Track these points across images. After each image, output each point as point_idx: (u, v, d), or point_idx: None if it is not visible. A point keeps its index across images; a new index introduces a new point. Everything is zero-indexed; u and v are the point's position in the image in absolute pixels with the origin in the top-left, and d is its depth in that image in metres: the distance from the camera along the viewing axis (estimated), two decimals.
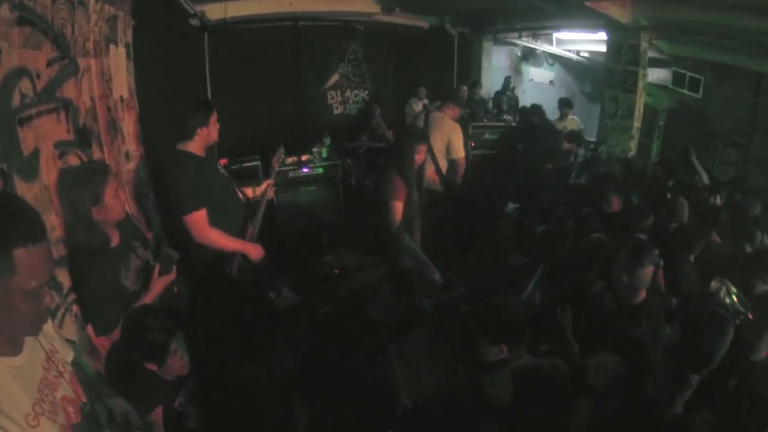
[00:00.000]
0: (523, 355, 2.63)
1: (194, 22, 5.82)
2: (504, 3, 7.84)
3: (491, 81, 10.34)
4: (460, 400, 2.65)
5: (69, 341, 1.73)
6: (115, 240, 2.43)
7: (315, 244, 5.38)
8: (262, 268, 3.48)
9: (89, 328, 2.26)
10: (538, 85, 11.92)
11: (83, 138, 2.65)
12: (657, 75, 8.22)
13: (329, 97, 8.21)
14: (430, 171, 5.08)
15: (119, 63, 3.39)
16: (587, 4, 5.87)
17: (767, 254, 3.57)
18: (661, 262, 3.16)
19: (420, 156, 4.06)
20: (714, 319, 2.30)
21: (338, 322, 2.98)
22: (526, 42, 10.57)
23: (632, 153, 7.02)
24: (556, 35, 10.10)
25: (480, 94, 9.21)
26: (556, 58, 11.60)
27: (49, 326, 1.46)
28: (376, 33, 8.32)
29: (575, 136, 6.62)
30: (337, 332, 2.85)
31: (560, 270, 3.70)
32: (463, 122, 5.68)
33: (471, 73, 9.82)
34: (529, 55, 11.67)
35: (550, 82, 12.09)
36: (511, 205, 6.33)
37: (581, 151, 6.88)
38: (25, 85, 2.02)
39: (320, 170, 6.08)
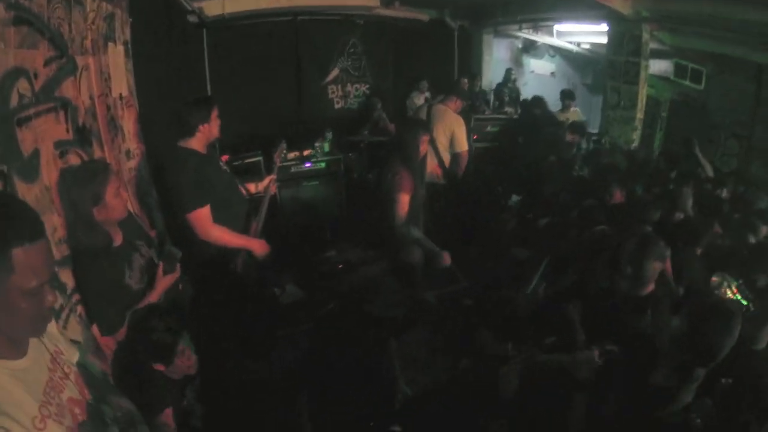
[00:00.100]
0: (535, 352, 2.62)
1: (192, 18, 5.79)
2: None
3: (492, 73, 10.30)
4: (462, 394, 2.65)
5: (74, 342, 1.72)
6: (117, 239, 2.42)
7: (318, 240, 5.38)
8: (267, 265, 3.48)
9: (94, 329, 2.26)
10: (539, 77, 11.87)
11: (83, 137, 2.63)
12: (659, 66, 8.17)
13: (330, 91, 8.19)
14: (432, 164, 5.07)
15: (118, 61, 3.37)
16: None
17: (765, 249, 3.56)
18: (668, 254, 3.15)
19: (423, 146, 4.03)
20: (721, 312, 2.29)
21: (341, 319, 2.97)
22: (527, 34, 10.51)
23: (635, 144, 7.00)
24: (556, 27, 10.04)
25: (480, 86, 9.18)
26: (557, 50, 11.55)
27: (53, 327, 1.46)
28: (375, 27, 8.30)
29: (578, 127, 6.59)
30: (340, 330, 2.84)
31: (564, 263, 3.69)
32: (465, 115, 5.66)
33: (471, 66, 9.77)
34: (529, 47, 11.61)
35: (552, 73, 12.04)
36: (513, 198, 6.31)
37: (583, 144, 6.85)
38: (22, 85, 2.01)
39: (322, 165, 6.08)
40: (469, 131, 6.29)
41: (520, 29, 9.80)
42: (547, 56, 11.83)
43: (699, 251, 3.50)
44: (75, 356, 1.50)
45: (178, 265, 2.60)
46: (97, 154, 2.81)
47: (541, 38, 10.85)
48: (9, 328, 1.19)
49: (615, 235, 3.46)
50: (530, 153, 6.58)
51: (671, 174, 5.37)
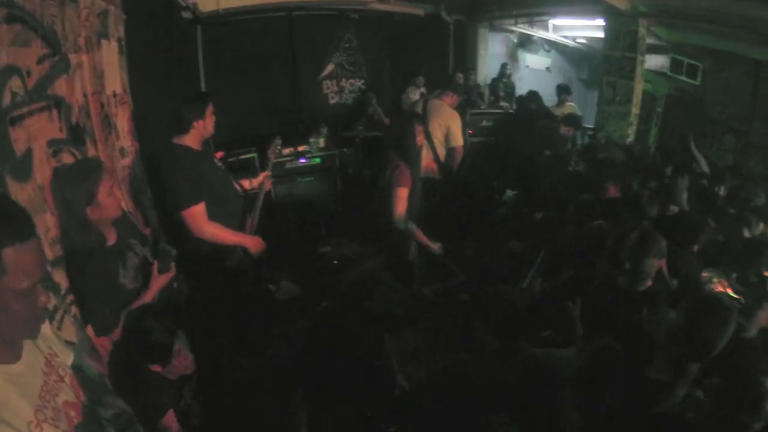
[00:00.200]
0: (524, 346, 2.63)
1: (186, 14, 5.75)
2: None
3: (487, 68, 10.29)
4: (459, 389, 2.65)
5: (69, 343, 1.71)
6: (111, 239, 2.40)
7: (313, 236, 5.36)
8: (262, 261, 3.47)
9: (89, 329, 2.24)
10: (534, 72, 11.86)
11: (77, 135, 2.61)
12: (655, 61, 8.18)
13: (325, 86, 8.15)
14: (428, 159, 5.06)
15: (111, 58, 3.35)
16: None
17: (763, 244, 3.56)
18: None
19: (419, 138, 4.01)
20: (717, 308, 2.30)
21: (338, 317, 2.96)
22: (523, 29, 10.49)
23: (630, 139, 7.01)
24: (552, 22, 10.03)
25: (474, 81, 9.17)
26: (552, 45, 11.54)
27: (47, 329, 1.45)
28: (370, 21, 8.26)
29: (572, 120, 6.58)
30: (337, 327, 2.84)
31: (560, 257, 3.69)
32: (460, 109, 5.65)
33: (467, 61, 9.76)
34: (525, 42, 11.59)
35: (547, 68, 12.03)
36: (509, 192, 6.32)
37: (578, 139, 6.86)
38: (15, 83, 1.99)
39: (317, 160, 6.06)
40: (465, 126, 6.28)
41: (515, 24, 9.77)
42: (543, 51, 11.82)
43: (696, 248, 3.51)
44: (70, 358, 1.49)
45: (173, 264, 2.59)
46: (91, 152, 2.78)
47: (537, 33, 10.84)
48: (3, 330, 1.18)
49: (611, 229, 3.46)
50: (525, 147, 6.57)
51: (667, 169, 5.37)
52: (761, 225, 4.04)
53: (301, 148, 5.99)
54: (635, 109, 6.94)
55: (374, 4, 7.81)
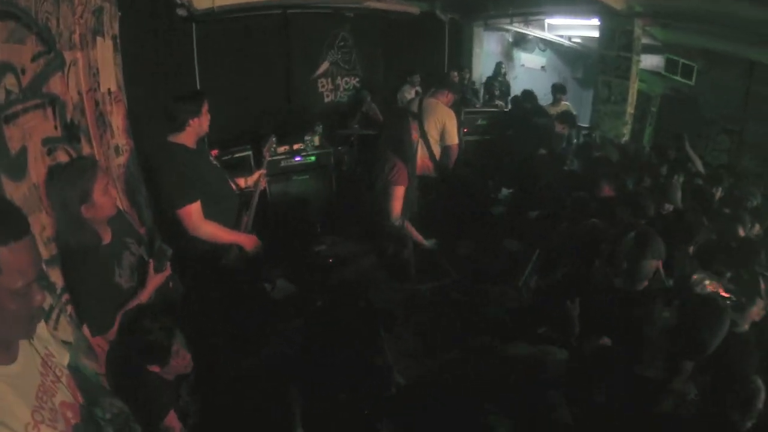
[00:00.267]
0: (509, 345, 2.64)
1: (181, 12, 5.72)
2: None
3: (483, 67, 10.29)
4: (455, 387, 2.66)
5: (65, 343, 1.70)
6: (107, 238, 2.38)
7: (308, 234, 5.35)
8: (258, 260, 3.46)
9: (84, 329, 2.23)
10: (529, 71, 11.88)
11: (71, 134, 2.59)
12: (650, 61, 8.22)
13: (320, 85, 8.12)
14: (423, 157, 5.05)
15: (106, 55, 3.33)
16: None
17: (756, 244, 3.58)
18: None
19: (414, 134, 4.01)
20: (712, 309, 2.31)
21: (332, 314, 2.97)
22: (518, 28, 10.50)
23: (625, 138, 7.03)
24: (548, 21, 10.04)
25: (469, 78, 9.18)
26: (547, 44, 11.56)
27: (43, 329, 1.44)
28: (365, 20, 8.23)
29: (567, 117, 6.60)
30: (332, 325, 2.84)
31: (555, 255, 3.70)
32: (455, 108, 5.65)
33: (462, 59, 9.76)
34: (520, 41, 11.62)
35: (542, 67, 12.05)
36: (504, 191, 6.33)
37: (574, 139, 6.87)
38: (9, 81, 1.97)
39: (312, 159, 6.03)
40: (460, 124, 6.29)
41: (511, 23, 9.78)
42: (538, 50, 11.84)
43: (691, 249, 3.52)
44: (66, 358, 1.48)
45: (169, 263, 2.57)
46: (86, 150, 2.77)
47: (532, 32, 10.85)
48: None
49: (607, 228, 3.47)
50: (521, 146, 6.58)
51: (662, 168, 5.39)
52: (757, 226, 4.06)
53: (296, 146, 5.96)
54: (630, 109, 6.97)
55: (369, 2, 7.78)
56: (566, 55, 11.87)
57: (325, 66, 8.06)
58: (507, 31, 10.95)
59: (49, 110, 2.35)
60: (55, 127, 2.40)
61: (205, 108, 3.10)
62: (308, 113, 7.38)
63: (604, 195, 4.30)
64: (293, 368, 2.89)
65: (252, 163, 5.34)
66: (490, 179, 6.64)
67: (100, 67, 3.17)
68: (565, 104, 7.57)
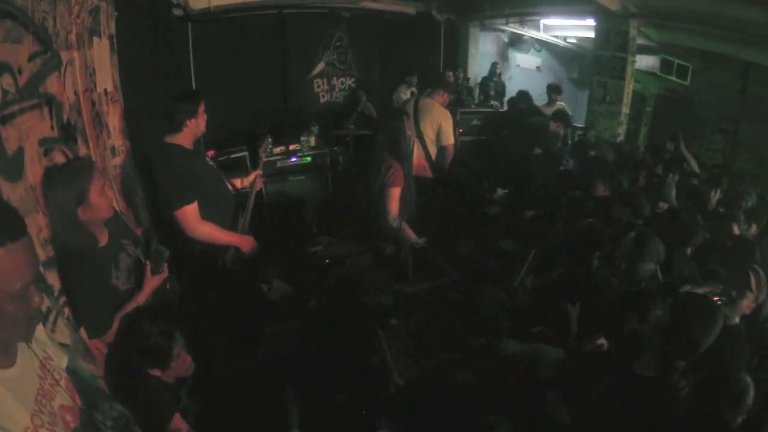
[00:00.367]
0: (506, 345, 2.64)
1: (177, 12, 5.70)
2: None
3: (478, 67, 10.30)
4: (453, 387, 2.66)
5: (62, 345, 1.69)
6: (103, 239, 2.37)
7: (305, 235, 5.35)
8: (254, 260, 3.46)
9: (81, 331, 2.21)
10: (525, 71, 11.90)
11: (68, 134, 2.57)
12: (645, 62, 8.25)
13: (315, 85, 8.11)
14: (420, 158, 5.06)
15: (103, 55, 3.31)
16: None
17: (751, 243, 3.60)
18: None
19: (409, 133, 4.00)
20: (705, 309, 2.31)
21: (328, 313, 2.96)
22: (513, 28, 10.51)
23: (620, 138, 7.06)
24: (543, 21, 10.05)
25: (463, 78, 9.19)
26: (543, 44, 11.58)
27: (41, 332, 1.43)
28: (362, 20, 8.22)
29: (561, 116, 6.59)
30: (327, 324, 2.83)
31: (551, 255, 3.70)
32: (451, 108, 5.65)
33: (458, 60, 9.78)
34: (516, 41, 11.62)
35: (537, 68, 12.07)
36: (499, 191, 6.34)
37: (569, 139, 6.89)
38: (6, 80, 1.96)
39: (308, 159, 6.02)
40: (455, 125, 6.30)
41: (506, 23, 9.78)
42: (533, 50, 11.86)
43: (689, 251, 3.53)
44: (64, 361, 1.47)
45: (166, 265, 2.56)
46: (82, 151, 2.75)
47: (528, 32, 10.87)
48: None
49: (603, 228, 3.47)
50: (516, 146, 6.58)
51: (657, 167, 5.41)
52: (754, 227, 4.08)
53: (292, 147, 5.95)
54: (625, 109, 7.01)
55: (366, 3, 7.78)
56: (562, 55, 11.90)
57: (320, 66, 8.05)
58: (502, 31, 10.95)
59: (46, 110, 2.33)
60: (52, 128, 2.39)
61: (201, 108, 3.09)
62: (304, 113, 7.38)
63: (600, 194, 4.31)
64: (290, 369, 2.89)
65: (248, 163, 5.33)
66: (485, 179, 6.65)
67: (97, 68, 3.15)
68: (561, 104, 7.59)
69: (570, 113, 7.54)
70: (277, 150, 5.71)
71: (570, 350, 2.84)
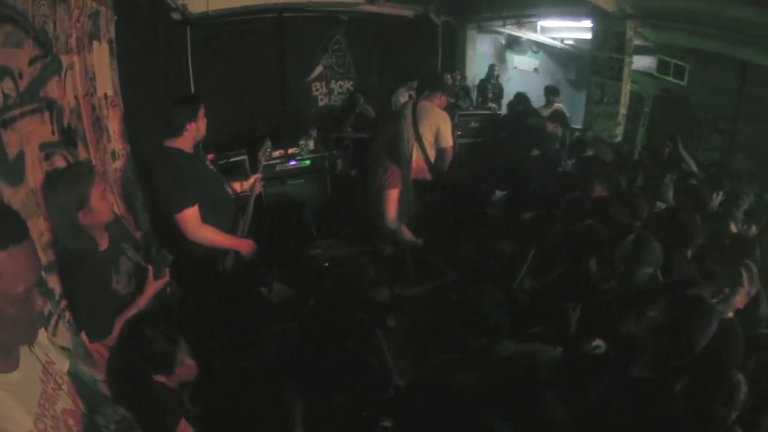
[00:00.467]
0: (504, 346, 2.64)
1: (176, 15, 5.71)
2: None
3: (476, 69, 10.31)
4: (452, 388, 2.66)
5: (64, 349, 1.69)
6: (104, 243, 2.37)
7: (304, 237, 5.35)
8: (254, 263, 3.46)
9: (82, 335, 2.22)
10: (522, 73, 11.89)
11: (68, 138, 2.57)
12: (642, 62, 8.26)
13: (314, 88, 8.13)
14: (418, 160, 5.07)
15: (103, 60, 3.31)
16: None
17: (749, 241, 3.60)
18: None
19: (408, 137, 4.01)
20: (701, 310, 2.32)
21: (328, 316, 2.97)
22: (511, 30, 10.51)
23: (618, 139, 7.07)
24: (540, 23, 10.05)
25: (459, 80, 9.20)
26: (540, 46, 11.57)
27: (42, 336, 1.43)
28: (360, 23, 8.24)
29: (558, 117, 6.60)
30: (327, 326, 2.84)
31: (550, 255, 3.71)
32: (449, 110, 5.66)
33: (455, 62, 9.79)
34: (513, 43, 11.62)
35: (535, 69, 12.07)
36: (498, 193, 6.34)
37: (567, 140, 6.90)
38: (7, 85, 1.95)
39: (307, 162, 6.03)
40: (453, 127, 6.31)
41: (504, 25, 9.79)
42: (531, 52, 11.85)
43: (689, 253, 3.53)
44: (66, 365, 1.47)
45: (168, 269, 2.57)
46: (83, 155, 2.75)
47: (525, 34, 10.87)
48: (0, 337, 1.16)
49: (601, 228, 3.48)
50: (513, 148, 6.59)
51: (655, 168, 5.42)
52: (753, 227, 4.08)
53: (291, 151, 5.95)
54: (623, 110, 7.02)
55: (363, 6, 7.79)
56: (559, 57, 11.90)
57: (319, 69, 8.08)
58: (500, 33, 10.96)
59: (47, 115, 2.33)
60: (53, 132, 2.39)
61: (201, 112, 3.10)
62: (302, 117, 7.40)
63: (598, 195, 4.32)
64: (290, 371, 2.89)
65: (247, 167, 5.34)
66: (483, 181, 6.66)
67: (97, 72, 3.15)
68: (558, 106, 7.59)
69: (568, 114, 7.56)
70: (276, 153, 5.71)
71: (568, 351, 2.85)
